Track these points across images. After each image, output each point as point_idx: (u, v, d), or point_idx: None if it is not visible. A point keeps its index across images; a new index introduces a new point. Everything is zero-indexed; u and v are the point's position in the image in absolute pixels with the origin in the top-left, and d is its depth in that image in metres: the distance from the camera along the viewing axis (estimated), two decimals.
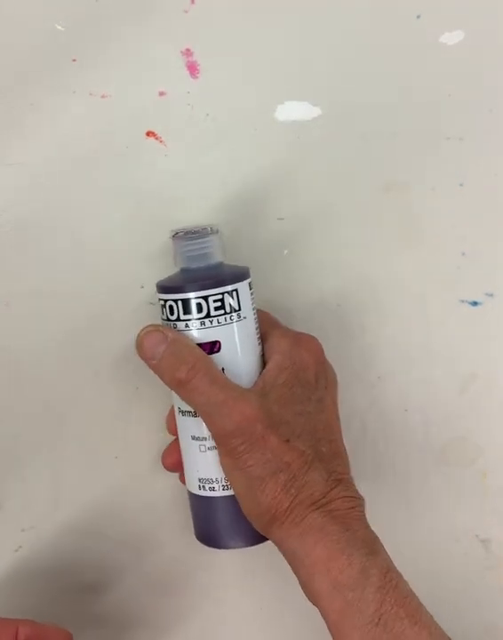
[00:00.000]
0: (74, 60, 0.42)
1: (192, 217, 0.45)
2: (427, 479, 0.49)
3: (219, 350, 0.38)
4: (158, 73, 0.43)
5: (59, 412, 0.46)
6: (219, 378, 0.37)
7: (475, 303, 0.47)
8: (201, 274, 0.39)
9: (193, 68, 0.43)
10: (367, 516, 0.38)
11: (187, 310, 0.38)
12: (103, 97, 0.43)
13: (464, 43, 0.44)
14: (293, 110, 0.44)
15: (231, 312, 0.38)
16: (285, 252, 0.46)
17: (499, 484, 0.49)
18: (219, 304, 0.38)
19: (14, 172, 0.43)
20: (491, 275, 0.47)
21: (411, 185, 0.46)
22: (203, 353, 0.38)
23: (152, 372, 0.39)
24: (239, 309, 0.38)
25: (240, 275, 0.39)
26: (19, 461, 0.46)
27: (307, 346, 0.40)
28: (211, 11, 0.43)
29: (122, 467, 0.47)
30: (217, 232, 0.40)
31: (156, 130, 0.44)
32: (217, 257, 0.40)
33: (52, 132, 0.43)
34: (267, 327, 0.41)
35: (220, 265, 0.40)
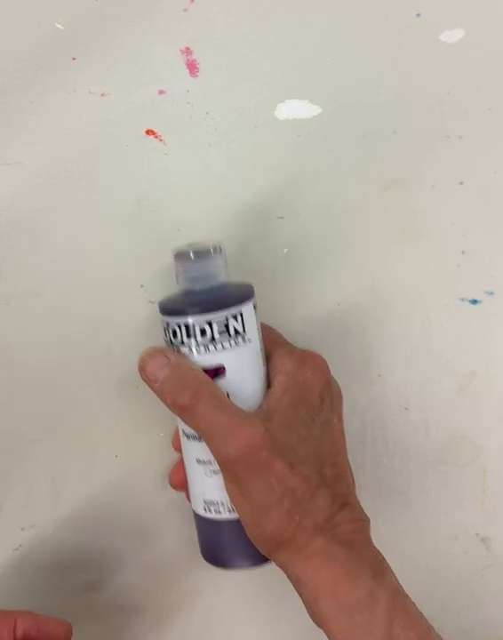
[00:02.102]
0: (73, 59, 0.42)
1: (192, 217, 0.45)
2: (427, 477, 0.49)
3: (223, 375, 0.37)
4: (158, 71, 0.43)
5: (59, 411, 0.46)
6: (223, 403, 0.36)
7: (474, 301, 0.47)
8: (205, 296, 0.38)
9: (192, 67, 0.43)
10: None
11: (190, 334, 0.37)
12: (103, 95, 0.43)
13: (464, 41, 0.44)
14: (293, 109, 0.44)
15: (236, 335, 0.37)
16: (285, 250, 0.46)
17: (499, 482, 0.49)
18: (223, 328, 0.37)
19: (14, 171, 0.43)
20: (491, 273, 0.47)
21: (410, 183, 0.46)
22: (207, 377, 0.37)
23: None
24: (244, 332, 0.37)
25: (244, 296, 0.38)
26: (19, 461, 0.46)
27: (312, 365, 0.39)
28: (211, 9, 0.43)
29: (122, 466, 0.47)
30: (220, 251, 0.39)
31: (156, 128, 0.44)
32: (221, 277, 0.39)
33: (52, 130, 0.43)
34: (272, 344, 0.40)
35: (224, 286, 0.39)
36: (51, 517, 0.47)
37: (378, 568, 0.36)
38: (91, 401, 0.46)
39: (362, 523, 0.38)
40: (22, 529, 0.46)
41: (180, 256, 0.38)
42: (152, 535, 0.48)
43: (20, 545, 0.47)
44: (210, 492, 0.39)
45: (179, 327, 0.37)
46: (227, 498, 0.38)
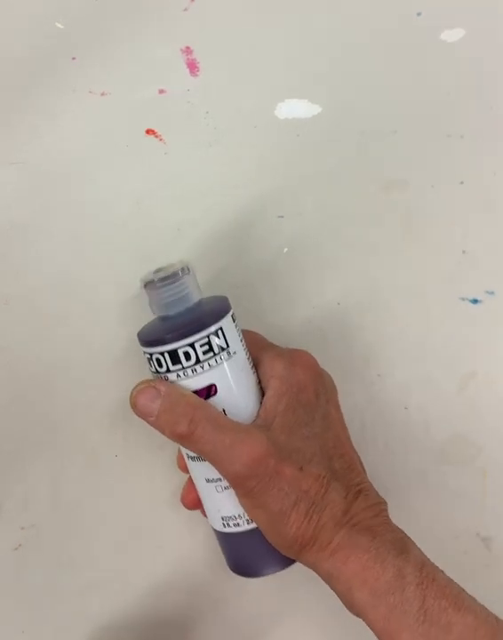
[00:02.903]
0: (73, 59, 0.42)
1: (193, 216, 0.45)
2: (427, 477, 0.49)
3: (215, 393, 0.37)
4: (158, 71, 0.43)
5: (58, 411, 0.46)
6: (221, 423, 0.36)
7: (475, 301, 0.47)
8: (182, 320, 0.38)
9: (193, 66, 0.43)
10: None
11: (175, 361, 0.37)
12: (103, 95, 0.43)
13: (464, 40, 0.44)
14: (293, 108, 0.44)
15: (220, 352, 0.37)
16: (285, 250, 0.46)
17: (499, 481, 0.49)
18: (206, 348, 0.36)
19: (14, 170, 0.43)
20: (492, 273, 0.47)
21: (411, 183, 0.46)
22: (200, 400, 0.37)
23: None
24: (227, 347, 0.37)
25: (221, 311, 0.38)
26: (19, 460, 0.46)
27: (301, 363, 0.39)
28: (211, 9, 0.43)
29: (122, 465, 0.47)
30: (189, 272, 0.38)
31: (156, 128, 0.44)
32: (194, 297, 0.38)
33: (52, 130, 0.43)
34: (258, 350, 0.40)
35: (199, 304, 0.39)
36: (51, 517, 0.47)
37: (401, 546, 0.36)
38: (91, 401, 0.46)
39: (378, 506, 0.38)
40: (22, 528, 0.46)
41: (150, 284, 0.38)
42: (153, 534, 0.48)
43: (20, 544, 0.47)
44: (225, 507, 0.39)
45: (163, 356, 0.37)
46: (243, 510, 0.38)
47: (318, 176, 0.45)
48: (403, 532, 0.37)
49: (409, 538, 0.37)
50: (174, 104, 0.43)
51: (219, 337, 0.37)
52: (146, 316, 0.45)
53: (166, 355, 0.37)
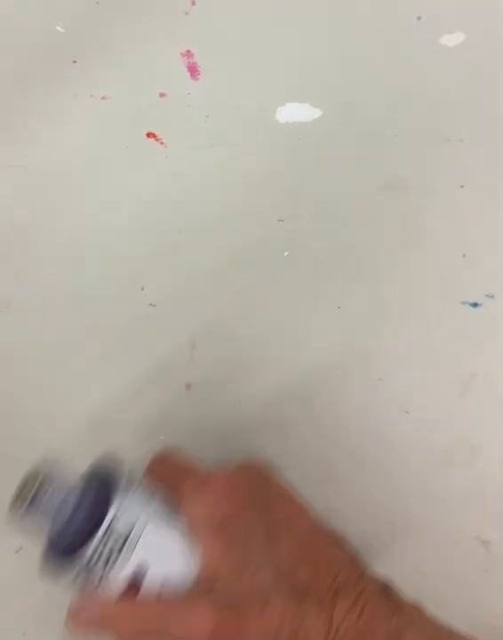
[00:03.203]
0: (74, 62, 0.42)
1: (193, 219, 0.45)
2: (428, 481, 0.49)
3: (147, 569, 0.34)
4: (159, 74, 0.43)
5: (58, 413, 0.46)
6: (160, 613, 0.34)
7: (475, 305, 0.47)
8: (74, 526, 0.33)
9: (193, 70, 0.43)
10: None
11: (92, 565, 0.33)
12: (104, 98, 0.43)
13: (464, 44, 0.44)
14: (294, 112, 0.44)
15: (131, 529, 0.34)
16: (285, 253, 0.46)
17: (500, 485, 0.49)
18: (113, 537, 0.33)
19: (15, 173, 0.43)
20: (492, 276, 0.47)
21: (411, 186, 0.46)
22: (131, 600, 0.34)
23: None
24: (137, 520, 0.34)
25: (110, 489, 0.34)
26: (19, 462, 0.46)
27: (222, 492, 0.36)
28: (212, 12, 0.43)
29: None
30: (50, 475, 0.34)
31: (157, 131, 0.44)
32: (72, 491, 0.34)
33: (53, 133, 0.43)
34: (175, 481, 0.37)
35: (83, 495, 0.34)
36: None
37: (396, 634, 0.34)
38: (91, 403, 0.46)
39: (360, 603, 0.34)
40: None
41: (21, 509, 0.34)
42: None
43: (21, 547, 0.47)
44: None
45: (74, 569, 0.34)
46: None
47: (319, 179, 0.45)
48: (392, 604, 0.35)
49: (398, 611, 0.34)
50: (175, 107, 0.43)
51: (121, 517, 0.34)
52: (146, 319, 0.45)
53: (76, 567, 0.34)
